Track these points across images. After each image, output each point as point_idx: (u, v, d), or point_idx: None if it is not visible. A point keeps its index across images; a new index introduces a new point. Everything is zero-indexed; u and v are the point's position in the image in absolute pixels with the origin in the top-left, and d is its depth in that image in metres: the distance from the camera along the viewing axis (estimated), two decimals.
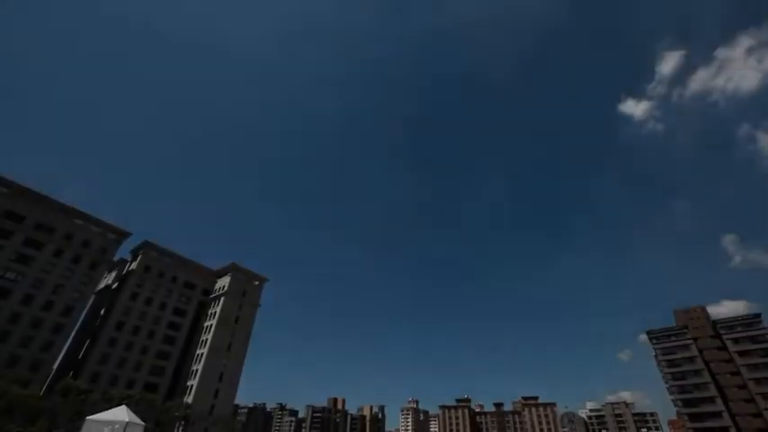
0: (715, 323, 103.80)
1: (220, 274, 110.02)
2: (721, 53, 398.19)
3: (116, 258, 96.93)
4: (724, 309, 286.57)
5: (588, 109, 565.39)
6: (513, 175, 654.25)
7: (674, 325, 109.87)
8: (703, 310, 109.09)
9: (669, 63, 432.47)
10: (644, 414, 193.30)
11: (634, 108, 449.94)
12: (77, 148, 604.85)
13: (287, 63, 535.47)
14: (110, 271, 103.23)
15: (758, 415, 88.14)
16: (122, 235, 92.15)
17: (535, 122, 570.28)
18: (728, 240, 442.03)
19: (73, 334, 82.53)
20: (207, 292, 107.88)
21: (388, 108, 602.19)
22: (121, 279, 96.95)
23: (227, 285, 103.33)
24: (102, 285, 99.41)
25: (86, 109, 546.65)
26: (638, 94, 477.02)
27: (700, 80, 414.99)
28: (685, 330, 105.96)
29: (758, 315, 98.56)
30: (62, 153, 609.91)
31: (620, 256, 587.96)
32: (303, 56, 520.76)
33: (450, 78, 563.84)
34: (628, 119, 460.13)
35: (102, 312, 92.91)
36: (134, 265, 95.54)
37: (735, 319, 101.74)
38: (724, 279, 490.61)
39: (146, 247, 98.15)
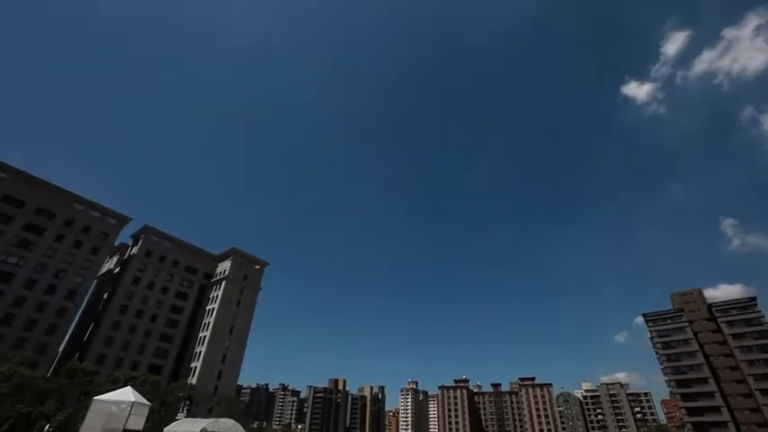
0: (711, 306, 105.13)
1: (221, 259, 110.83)
2: (728, 33, 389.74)
3: (117, 243, 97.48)
4: (720, 292, 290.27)
5: (591, 90, 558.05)
6: (512, 157, 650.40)
7: (671, 308, 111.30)
8: (700, 293, 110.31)
9: (674, 44, 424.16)
10: (638, 394, 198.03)
11: (637, 90, 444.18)
12: (75, 135, 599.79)
13: (284, 48, 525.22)
14: (111, 256, 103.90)
15: (749, 395, 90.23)
16: (122, 220, 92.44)
17: (536, 103, 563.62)
18: (728, 224, 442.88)
19: (77, 317, 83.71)
20: (208, 276, 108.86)
21: (387, 93, 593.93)
22: (123, 263, 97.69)
23: (227, 269, 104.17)
24: (104, 270, 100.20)
25: (84, 95, 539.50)
26: (642, 76, 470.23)
27: (705, 61, 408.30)
28: (681, 313, 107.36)
29: (753, 299, 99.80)
30: (60, 139, 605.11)
31: (618, 238, 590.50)
32: (298, 39, 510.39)
33: (448, 58, 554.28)
34: (631, 101, 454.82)
35: (105, 296, 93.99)
36: (135, 250, 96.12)
37: (730, 302, 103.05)
38: (722, 262, 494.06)
39: (146, 231, 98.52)
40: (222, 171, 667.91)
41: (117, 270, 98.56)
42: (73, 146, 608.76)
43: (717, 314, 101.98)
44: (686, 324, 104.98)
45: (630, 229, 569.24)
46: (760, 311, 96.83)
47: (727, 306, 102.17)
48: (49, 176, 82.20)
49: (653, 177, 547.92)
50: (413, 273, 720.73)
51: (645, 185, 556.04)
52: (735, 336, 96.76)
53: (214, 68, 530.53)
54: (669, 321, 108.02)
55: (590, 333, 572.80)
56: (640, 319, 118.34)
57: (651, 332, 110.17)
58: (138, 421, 31.76)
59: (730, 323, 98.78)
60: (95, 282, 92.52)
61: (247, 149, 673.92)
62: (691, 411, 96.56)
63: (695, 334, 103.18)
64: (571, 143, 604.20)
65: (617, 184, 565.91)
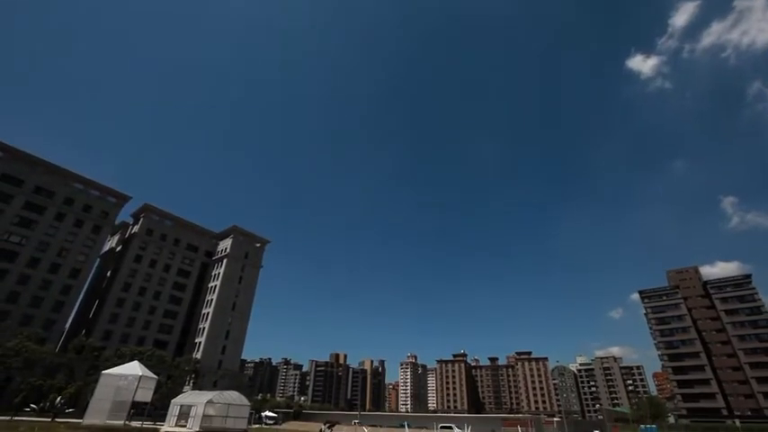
0: (706, 283, 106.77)
1: (222, 237, 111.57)
2: (739, 3, 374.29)
3: (117, 222, 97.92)
4: (717, 269, 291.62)
5: (594, 63, 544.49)
6: (509, 130, 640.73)
7: (667, 285, 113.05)
8: (696, 271, 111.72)
9: (683, 15, 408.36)
10: (630, 368, 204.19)
11: (642, 64, 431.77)
12: (72, 113, 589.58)
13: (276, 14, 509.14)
14: (113, 234, 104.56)
15: (738, 368, 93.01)
16: (122, 198, 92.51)
17: (535, 77, 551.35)
18: (728, 202, 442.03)
19: (81, 295, 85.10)
20: (209, 254, 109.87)
21: (379, 63, 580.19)
22: (125, 242, 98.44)
23: (229, 247, 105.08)
24: (106, 248, 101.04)
25: (79, 73, 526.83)
26: (648, 49, 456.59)
27: (714, 34, 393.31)
28: (677, 290, 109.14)
29: (748, 276, 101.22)
30: (57, 119, 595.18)
31: (617, 215, 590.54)
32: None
33: (440, 23, 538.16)
34: (635, 75, 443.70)
35: (108, 274, 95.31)
36: (136, 228, 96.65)
37: (725, 279, 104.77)
38: (720, 240, 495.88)
39: (146, 210, 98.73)
40: (221, 149, 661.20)
41: (119, 248, 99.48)
42: (70, 124, 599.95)
43: (711, 291, 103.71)
44: (681, 301, 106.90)
45: (630, 206, 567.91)
46: (754, 288, 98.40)
47: (721, 283, 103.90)
48: (47, 155, 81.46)
49: (654, 153, 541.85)
50: (412, 250, 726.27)
51: (646, 162, 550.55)
52: (728, 312, 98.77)
53: (213, 43, 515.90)
54: (664, 298, 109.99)
55: (586, 309, 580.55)
56: (635, 296, 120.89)
57: (646, 308, 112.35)
58: (147, 393, 32.96)
59: (724, 299, 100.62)
60: (98, 260, 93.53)
61: (247, 129, 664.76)
62: (681, 384, 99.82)
63: (689, 310, 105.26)
64: (571, 118, 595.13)
65: (617, 159, 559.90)
